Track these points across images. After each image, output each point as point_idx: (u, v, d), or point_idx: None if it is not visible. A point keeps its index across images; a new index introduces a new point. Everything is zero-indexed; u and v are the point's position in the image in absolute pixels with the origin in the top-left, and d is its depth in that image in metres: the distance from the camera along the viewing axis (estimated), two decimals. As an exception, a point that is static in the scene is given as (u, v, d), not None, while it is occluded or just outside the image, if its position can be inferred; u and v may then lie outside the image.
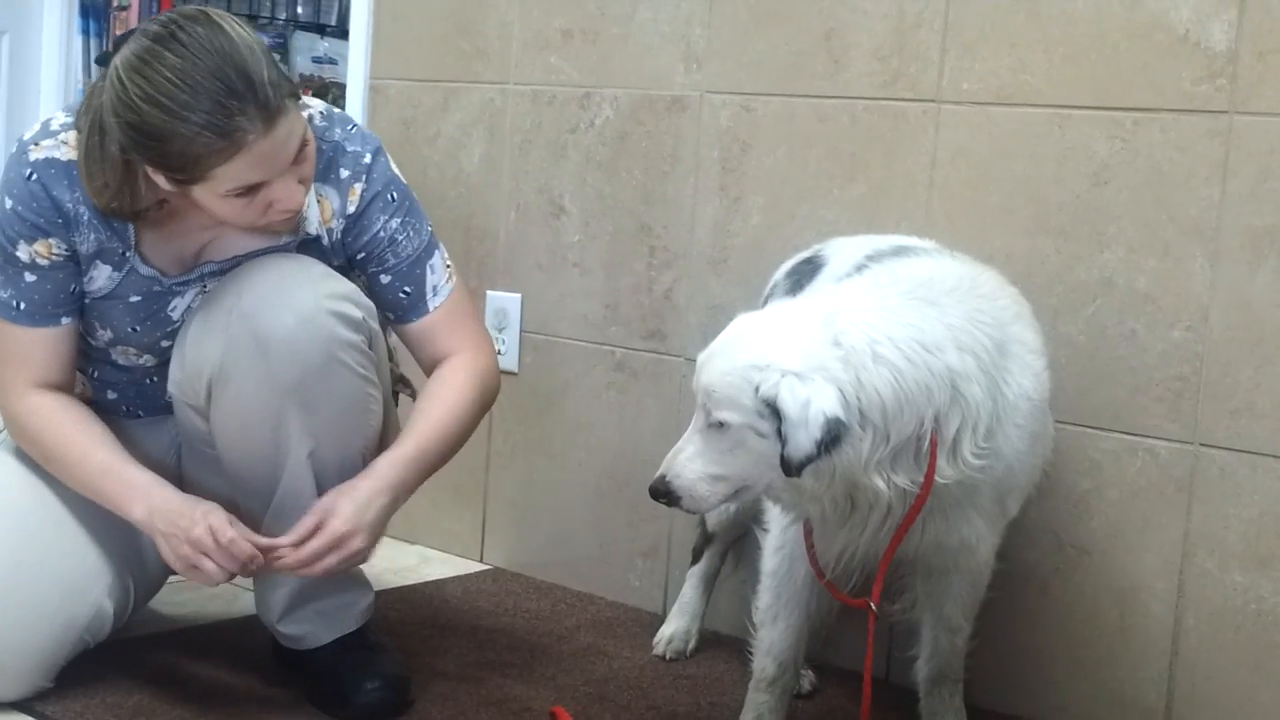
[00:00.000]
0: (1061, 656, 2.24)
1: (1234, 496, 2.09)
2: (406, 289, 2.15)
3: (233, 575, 1.98)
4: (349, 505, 1.99)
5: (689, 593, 2.45)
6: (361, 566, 2.20)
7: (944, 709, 2.05)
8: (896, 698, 2.15)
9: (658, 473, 1.79)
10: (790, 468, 1.69)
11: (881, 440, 1.70)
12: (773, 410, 1.68)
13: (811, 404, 1.66)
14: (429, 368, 2.17)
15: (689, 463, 1.77)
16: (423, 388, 2.17)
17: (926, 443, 1.73)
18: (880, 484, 1.72)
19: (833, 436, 1.66)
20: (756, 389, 1.69)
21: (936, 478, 1.74)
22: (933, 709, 2.06)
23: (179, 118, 1.82)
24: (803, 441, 1.67)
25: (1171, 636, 2.15)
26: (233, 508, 2.08)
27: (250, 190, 1.90)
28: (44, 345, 2.06)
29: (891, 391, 1.69)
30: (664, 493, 1.78)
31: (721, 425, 1.74)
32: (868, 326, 1.71)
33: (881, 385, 1.68)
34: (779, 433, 1.68)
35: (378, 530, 2.04)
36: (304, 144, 1.93)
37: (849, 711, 2.20)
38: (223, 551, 1.95)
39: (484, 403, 2.18)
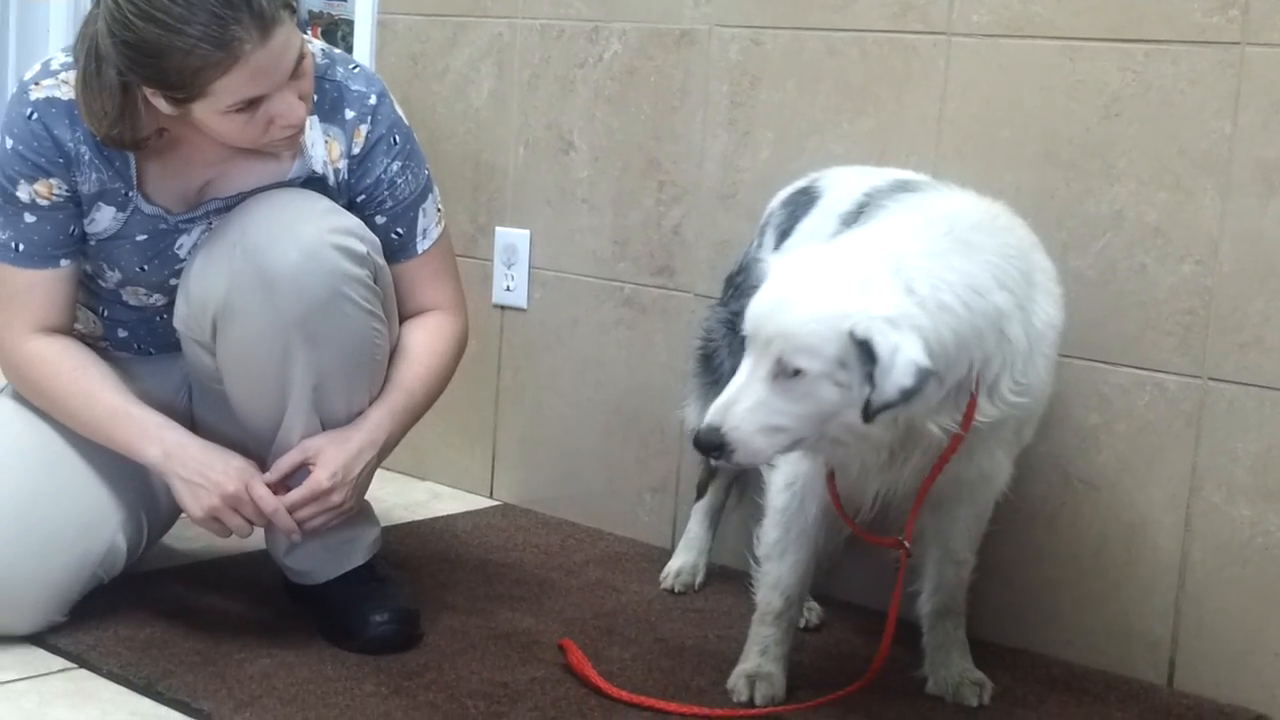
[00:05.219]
0: (1068, 590, 2.24)
1: (1241, 430, 2.08)
2: (399, 230, 2.16)
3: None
4: (338, 456, 2.02)
5: (694, 528, 2.46)
6: (369, 500, 2.22)
7: (948, 642, 2.06)
8: (900, 632, 2.13)
9: (706, 423, 1.71)
10: (870, 413, 1.67)
11: (941, 386, 1.71)
12: (863, 355, 1.65)
13: (900, 351, 1.64)
14: (405, 314, 2.18)
15: (749, 414, 1.69)
16: (404, 337, 2.16)
17: (971, 384, 1.72)
18: (933, 428, 1.73)
19: (919, 386, 1.65)
20: (849, 333, 1.65)
21: (978, 417, 1.74)
22: (937, 642, 2.06)
23: (175, 31, 1.82)
24: (889, 389, 1.65)
25: (1178, 570, 2.15)
26: (242, 446, 2.09)
27: (250, 105, 1.90)
28: (43, 287, 2.06)
29: (954, 338, 1.69)
30: (716, 445, 1.70)
31: (796, 373, 1.69)
32: (930, 274, 1.70)
33: (946, 333, 1.69)
34: (868, 378, 1.65)
35: (362, 488, 2.08)
36: (301, 57, 1.93)
37: (854, 644, 2.22)
38: (257, 513, 2.02)
39: (454, 368, 2.23)
